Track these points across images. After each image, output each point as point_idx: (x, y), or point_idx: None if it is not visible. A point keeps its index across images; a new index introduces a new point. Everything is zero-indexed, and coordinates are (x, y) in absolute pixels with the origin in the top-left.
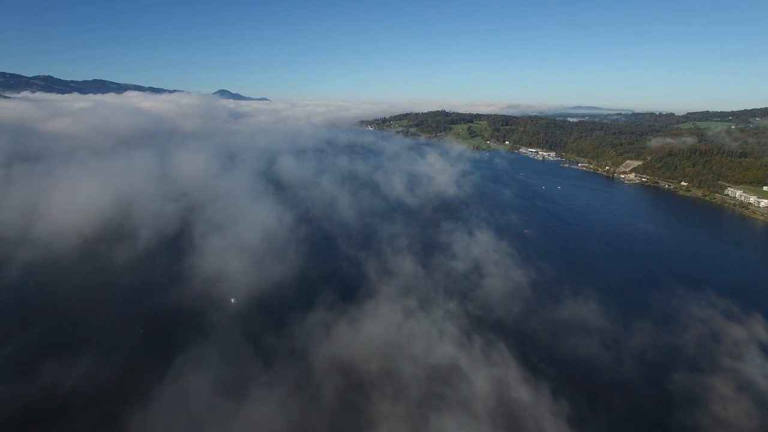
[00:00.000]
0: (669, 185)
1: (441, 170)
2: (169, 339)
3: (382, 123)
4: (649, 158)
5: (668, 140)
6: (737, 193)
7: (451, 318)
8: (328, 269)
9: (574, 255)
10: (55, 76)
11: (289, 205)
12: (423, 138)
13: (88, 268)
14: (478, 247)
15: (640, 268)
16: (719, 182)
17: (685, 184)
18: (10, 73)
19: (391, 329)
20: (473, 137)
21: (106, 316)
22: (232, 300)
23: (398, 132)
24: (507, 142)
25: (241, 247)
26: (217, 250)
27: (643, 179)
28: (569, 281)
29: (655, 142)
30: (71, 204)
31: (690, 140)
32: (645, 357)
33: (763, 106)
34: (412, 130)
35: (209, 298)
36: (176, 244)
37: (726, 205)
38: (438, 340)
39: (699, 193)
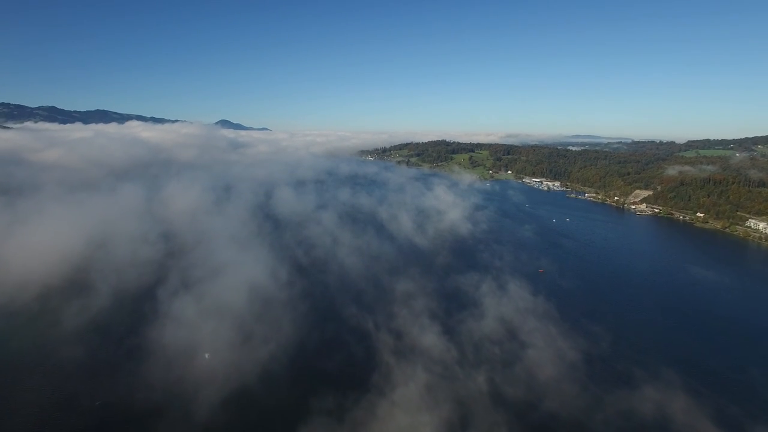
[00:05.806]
0: (684, 216)
1: (451, 204)
2: None
3: (383, 153)
4: (659, 188)
5: (686, 168)
6: (761, 225)
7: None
8: (328, 345)
9: (619, 308)
10: (59, 107)
11: (283, 251)
12: (426, 168)
13: (31, 336)
14: (508, 304)
15: (709, 330)
16: (738, 213)
17: (702, 215)
18: (14, 104)
19: None
20: (475, 167)
21: (27, 420)
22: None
23: (399, 162)
24: (509, 172)
25: (220, 313)
26: (190, 316)
27: (656, 210)
28: (630, 352)
29: (672, 171)
30: (31, 247)
31: (710, 168)
32: None
33: (764, 134)
34: (413, 159)
35: (171, 389)
36: (143, 305)
37: (750, 238)
38: None
39: (718, 225)
